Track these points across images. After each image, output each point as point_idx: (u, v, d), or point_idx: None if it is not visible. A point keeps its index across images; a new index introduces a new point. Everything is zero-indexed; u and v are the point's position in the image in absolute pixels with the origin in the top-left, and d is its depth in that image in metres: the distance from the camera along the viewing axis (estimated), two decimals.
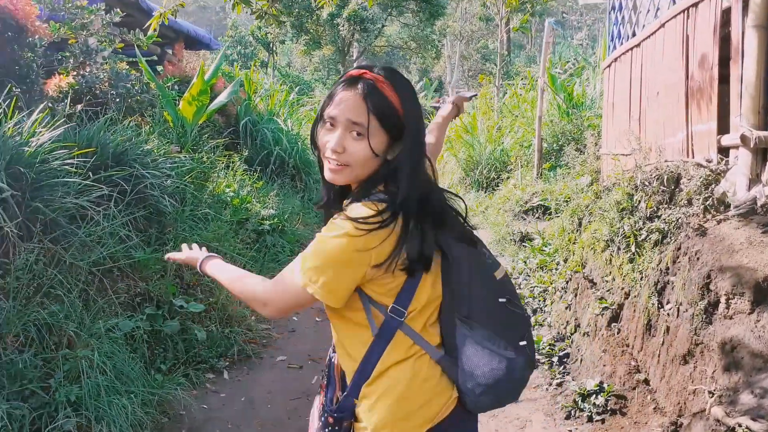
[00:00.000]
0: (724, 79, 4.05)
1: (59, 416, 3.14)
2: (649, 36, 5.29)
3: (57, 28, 5.48)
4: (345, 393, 1.69)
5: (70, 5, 5.61)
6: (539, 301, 5.79)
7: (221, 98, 7.72)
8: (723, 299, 3.39)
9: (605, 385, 4.02)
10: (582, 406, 4.00)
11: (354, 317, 1.66)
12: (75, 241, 3.91)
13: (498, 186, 11.16)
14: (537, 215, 8.48)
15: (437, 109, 2.54)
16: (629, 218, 4.66)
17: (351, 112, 1.57)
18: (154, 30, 4.69)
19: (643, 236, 4.43)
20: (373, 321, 1.63)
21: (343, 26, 19.90)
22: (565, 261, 6.00)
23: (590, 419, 3.93)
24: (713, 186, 4.06)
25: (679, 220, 4.09)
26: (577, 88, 11.63)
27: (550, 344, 4.94)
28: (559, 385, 4.43)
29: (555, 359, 4.75)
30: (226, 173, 7.26)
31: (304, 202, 9.22)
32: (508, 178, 10.99)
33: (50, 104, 4.96)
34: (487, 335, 1.63)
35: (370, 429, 1.63)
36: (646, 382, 3.95)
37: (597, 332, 4.58)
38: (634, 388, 3.95)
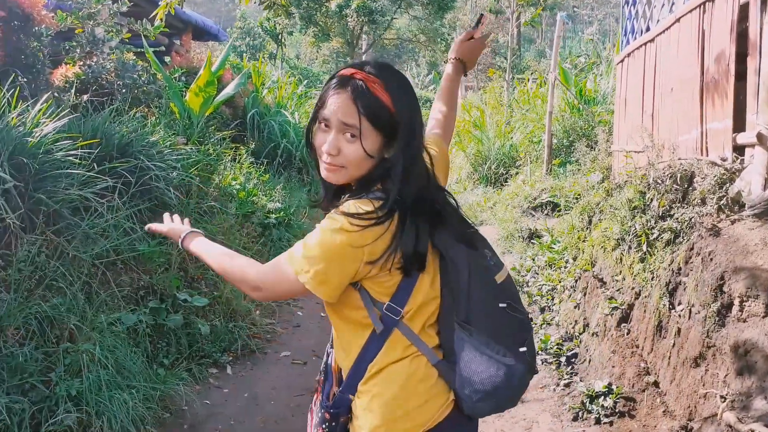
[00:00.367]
0: (740, 76, 3.96)
1: (59, 411, 3.11)
2: (663, 31, 5.19)
3: (64, 17, 5.43)
4: (341, 389, 1.68)
5: None
6: (547, 299, 5.72)
7: (228, 90, 7.66)
8: (737, 301, 3.31)
9: (614, 387, 3.95)
10: (590, 408, 3.93)
11: (353, 315, 1.64)
12: (78, 233, 3.87)
13: (506, 182, 11.08)
14: (546, 212, 8.40)
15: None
16: (641, 217, 4.58)
17: (343, 115, 1.55)
18: (161, 20, 4.64)
19: (654, 235, 4.35)
20: (375, 318, 1.61)
21: (351, 17, 19.80)
22: (575, 259, 5.93)
23: (598, 421, 3.86)
24: (728, 185, 3.97)
25: (692, 220, 4.01)
26: (589, 83, 11.51)
27: (557, 344, 4.87)
28: (567, 385, 4.36)
29: (563, 359, 4.69)
30: (233, 166, 7.21)
31: (311, 196, 9.16)
32: (516, 173, 10.91)
33: (55, 94, 4.92)
34: (486, 341, 1.60)
35: (366, 429, 1.61)
36: (656, 384, 3.88)
37: (606, 332, 4.51)
38: (644, 391, 3.88)
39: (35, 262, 3.54)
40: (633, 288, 4.49)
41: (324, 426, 1.69)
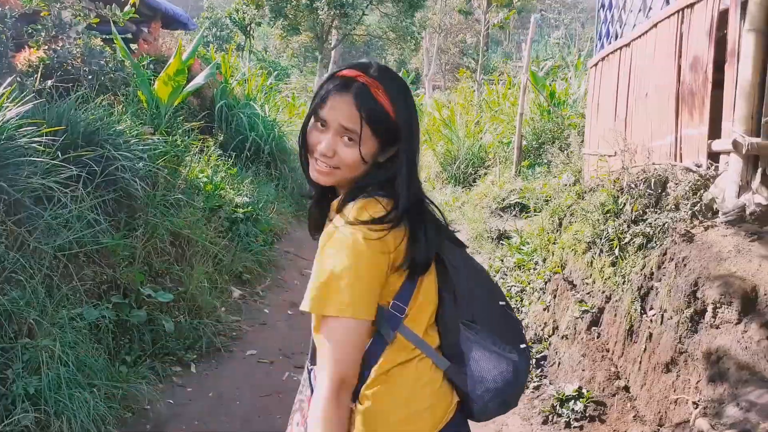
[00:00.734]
0: (716, 84, 3.97)
1: (16, 410, 2.96)
2: (640, 36, 5.21)
3: None
4: None
5: None
6: (516, 301, 5.70)
7: (198, 80, 7.47)
8: (710, 308, 3.32)
9: (584, 391, 3.94)
10: (560, 412, 3.92)
11: None
12: (40, 223, 3.70)
13: (475, 182, 11.09)
14: (514, 213, 8.42)
15: None
16: (614, 221, 4.58)
17: (343, 118, 1.51)
18: (134, 4, 4.48)
19: (626, 239, 4.36)
20: (381, 320, 1.52)
21: (322, 10, 19.61)
22: (544, 261, 5.93)
23: (568, 425, 3.85)
24: (702, 191, 3.99)
25: (666, 225, 4.02)
26: (560, 86, 11.58)
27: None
28: (536, 388, 4.34)
29: (532, 362, 4.66)
30: (200, 158, 7.04)
31: (279, 191, 9.02)
32: (485, 174, 10.93)
33: (19, 78, 4.72)
34: (492, 339, 1.61)
35: None
36: (626, 389, 3.88)
37: (576, 336, 4.50)
38: (614, 395, 3.88)
39: None
40: (604, 292, 4.50)
41: None
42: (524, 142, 10.03)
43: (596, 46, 7.12)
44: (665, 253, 3.88)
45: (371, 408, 1.53)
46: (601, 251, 4.66)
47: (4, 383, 3.05)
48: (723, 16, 3.90)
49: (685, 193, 4.04)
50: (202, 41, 9.64)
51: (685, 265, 3.62)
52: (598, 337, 4.36)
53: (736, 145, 3.61)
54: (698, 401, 3.19)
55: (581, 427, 3.80)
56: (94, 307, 3.89)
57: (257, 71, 12.85)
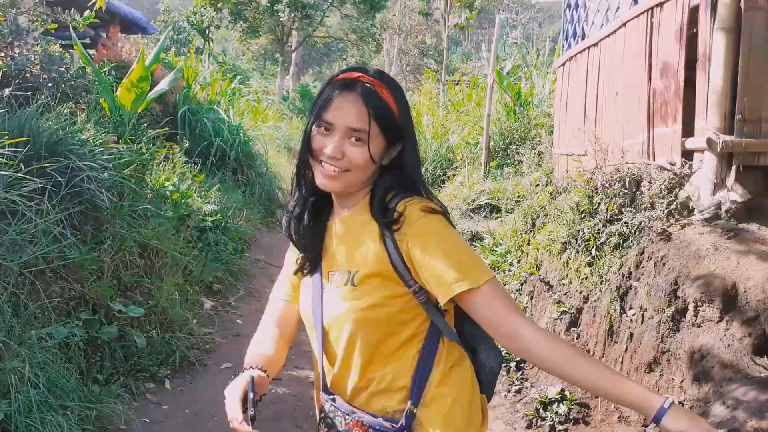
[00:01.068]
0: (688, 82, 3.99)
1: None
2: (608, 35, 5.23)
3: None
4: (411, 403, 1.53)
5: None
6: None
7: (162, 86, 7.31)
8: (691, 306, 3.33)
9: (567, 393, 3.93)
10: (544, 415, 3.90)
11: (406, 318, 1.54)
12: (5, 239, 3.54)
13: (444, 183, 11.07)
14: (485, 214, 8.40)
15: None
16: (589, 220, 4.58)
17: (351, 118, 1.49)
18: (101, 7, 4.32)
19: (602, 239, 4.35)
20: (440, 319, 1.55)
21: (283, 12, 19.46)
22: (519, 262, 5.91)
23: (553, 428, 3.83)
24: (677, 190, 4.01)
25: (642, 224, 4.02)
26: (525, 86, 11.63)
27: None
28: (518, 391, 4.32)
29: (512, 364, 4.64)
30: (165, 166, 6.87)
31: (247, 197, 8.89)
32: (454, 175, 10.90)
33: None
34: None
35: None
36: None
37: None
38: (597, 396, 3.87)
39: None
40: (581, 292, 4.49)
41: None
42: (492, 143, 10.04)
43: (563, 45, 7.15)
44: (643, 252, 3.88)
45: (442, 409, 1.54)
46: (578, 251, 4.66)
47: None
48: (693, 15, 3.91)
49: (660, 192, 4.05)
50: (164, 46, 9.45)
51: (664, 264, 3.63)
52: (577, 338, 4.36)
53: (710, 143, 3.63)
54: (683, 401, 3.19)
55: (566, 430, 3.78)
56: (63, 325, 3.74)
57: (220, 75, 12.65)
